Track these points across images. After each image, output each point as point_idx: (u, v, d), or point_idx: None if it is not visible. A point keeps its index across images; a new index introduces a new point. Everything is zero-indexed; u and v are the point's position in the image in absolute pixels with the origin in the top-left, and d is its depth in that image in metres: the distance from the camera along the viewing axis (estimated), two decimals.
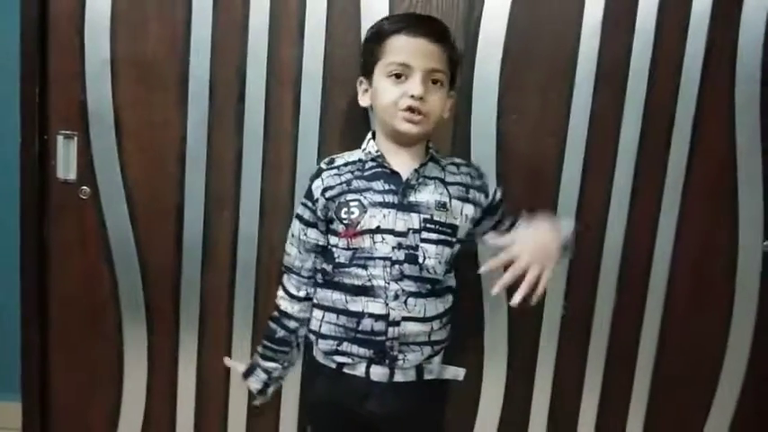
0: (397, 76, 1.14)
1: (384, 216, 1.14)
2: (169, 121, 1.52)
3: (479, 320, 1.58)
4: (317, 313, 1.23)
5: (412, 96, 1.12)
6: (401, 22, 1.18)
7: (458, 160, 1.27)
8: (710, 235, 1.55)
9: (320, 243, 1.23)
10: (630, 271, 1.55)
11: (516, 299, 1.05)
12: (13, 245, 1.57)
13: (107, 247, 1.57)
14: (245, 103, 1.49)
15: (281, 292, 1.28)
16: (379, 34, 1.18)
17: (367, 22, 1.44)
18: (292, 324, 1.26)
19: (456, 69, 1.22)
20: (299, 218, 1.25)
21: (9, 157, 1.55)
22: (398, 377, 1.17)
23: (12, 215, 1.56)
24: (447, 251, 1.18)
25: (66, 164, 1.54)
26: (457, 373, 1.24)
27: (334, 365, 1.20)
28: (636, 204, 1.52)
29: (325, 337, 1.20)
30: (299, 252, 1.25)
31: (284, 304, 1.27)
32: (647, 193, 1.52)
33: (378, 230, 1.14)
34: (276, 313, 1.28)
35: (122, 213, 1.55)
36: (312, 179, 1.23)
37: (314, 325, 1.23)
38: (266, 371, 1.29)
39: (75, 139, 1.53)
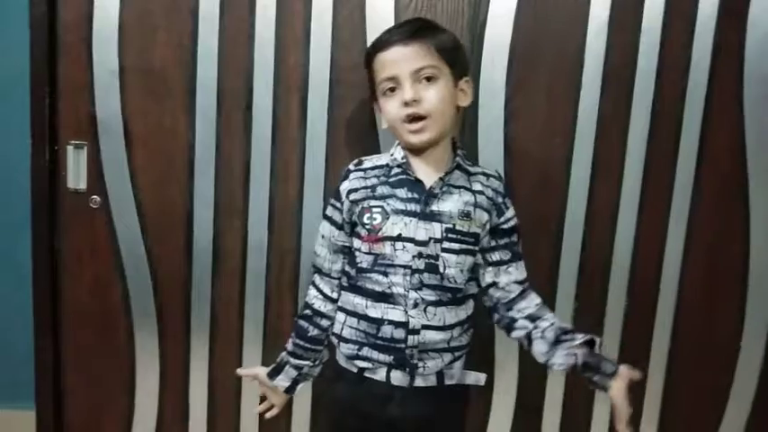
0: (391, 90, 1.14)
1: (405, 224, 1.13)
2: (177, 129, 1.53)
3: (489, 328, 1.57)
4: (340, 316, 1.23)
5: (406, 103, 1.11)
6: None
7: (488, 171, 1.23)
8: (721, 236, 1.54)
9: (347, 245, 1.22)
10: (641, 274, 1.54)
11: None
12: (25, 255, 1.58)
13: (118, 255, 1.58)
14: (253, 111, 1.50)
15: (314, 291, 1.26)
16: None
17: (372, 28, 1.45)
18: (325, 323, 1.25)
19: (455, 56, 1.17)
20: (329, 219, 1.23)
21: (20, 168, 1.57)
22: (419, 382, 1.17)
23: (23, 225, 1.57)
24: (469, 260, 1.17)
25: (76, 174, 1.56)
26: (478, 378, 1.23)
27: (355, 369, 1.19)
28: (645, 206, 1.51)
29: (347, 340, 1.20)
30: (329, 253, 1.24)
31: (318, 303, 1.25)
32: (656, 194, 1.51)
33: (399, 238, 1.13)
34: (308, 311, 1.26)
35: (133, 222, 1.56)
36: (341, 180, 1.22)
37: (336, 328, 1.23)
38: (297, 367, 1.28)
39: (85, 149, 1.54)
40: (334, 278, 1.24)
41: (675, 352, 1.58)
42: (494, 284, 1.22)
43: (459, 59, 1.18)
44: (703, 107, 1.48)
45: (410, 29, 1.15)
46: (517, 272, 1.22)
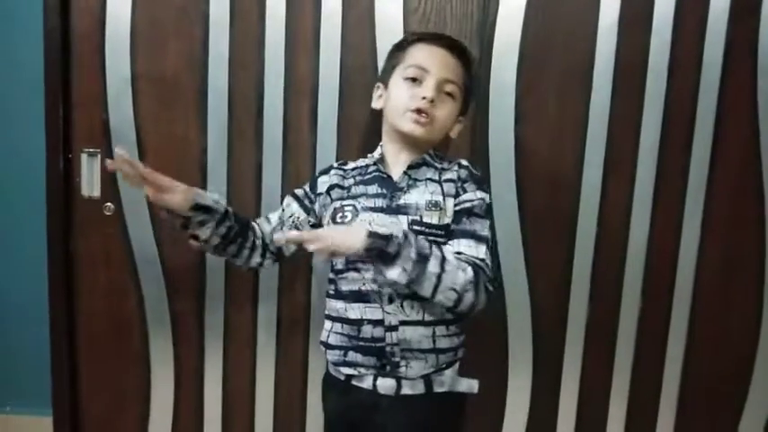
0: (413, 80, 1.17)
1: (373, 220, 1.15)
2: (189, 136, 1.54)
3: (503, 329, 1.57)
4: (327, 324, 1.24)
5: (423, 98, 1.14)
6: (428, 33, 1.23)
7: (464, 162, 1.23)
8: (736, 235, 1.52)
9: (293, 216, 1.28)
10: (655, 274, 1.53)
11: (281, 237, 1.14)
12: (41, 262, 1.59)
13: (132, 261, 1.59)
14: (264, 116, 1.51)
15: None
16: (403, 43, 1.24)
17: (381, 33, 1.46)
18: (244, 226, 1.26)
19: (469, 96, 1.24)
20: (297, 199, 1.30)
21: (35, 176, 1.59)
22: (406, 390, 1.15)
23: (38, 233, 1.59)
24: None
25: (90, 181, 1.57)
26: (471, 385, 1.20)
27: (342, 377, 1.20)
28: (659, 206, 1.50)
29: (332, 347, 1.21)
30: (277, 224, 1.30)
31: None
32: (669, 194, 1.50)
33: None
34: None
35: (146, 228, 1.57)
36: (320, 173, 1.30)
37: (323, 336, 1.24)
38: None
39: (99, 156, 1.56)
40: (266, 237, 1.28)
41: (691, 352, 1.56)
42: None
43: (469, 102, 1.26)
44: (716, 105, 1.47)
45: (460, 46, 1.23)
46: (466, 250, 1.13)
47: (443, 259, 1.06)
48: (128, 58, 1.51)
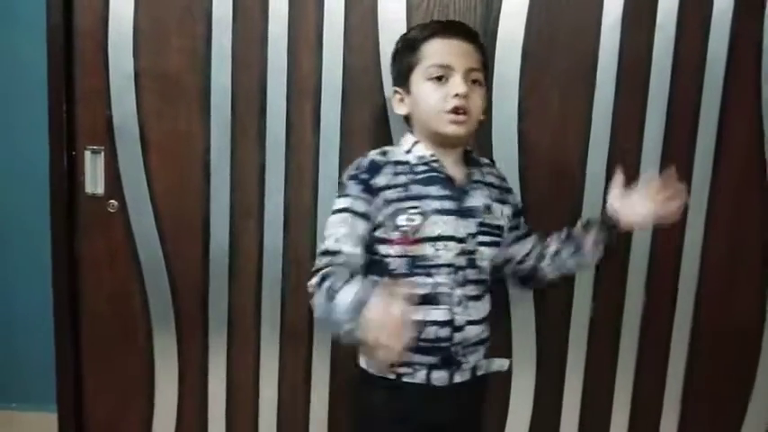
0: (438, 78, 1.14)
1: (444, 223, 1.13)
2: (193, 133, 1.54)
3: (507, 325, 1.57)
4: None
5: (456, 95, 1.12)
6: (432, 27, 1.19)
7: (484, 160, 1.28)
8: (740, 231, 1.52)
9: (365, 236, 1.14)
10: (659, 271, 1.53)
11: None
12: (45, 259, 1.60)
13: (136, 258, 1.59)
14: (267, 115, 1.51)
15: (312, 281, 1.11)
16: (413, 41, 1.18)
17: (384, 31, 1.45)
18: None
19: (487, 73, 1.23)
20: (359, 214, 1.13)
21: (39, 173, 1.59)
22: (457, 378, 1.18)
23: (42, 230, 1.59)
24: (495, 252, 1.21)
25: (93, 178, 1.57)
26: (502, 364, 1.25)
27: (393, 376, 1.17)
28: None
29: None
30: (359, 248, 1.13)
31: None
32: None
33: (439, 238, 1.13)
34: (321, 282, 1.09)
35: (150, 226, 1.58)
36: (369, 172, 1.15)
37: None
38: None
39: (102, 153, 1.56)
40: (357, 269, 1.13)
41: (696, 347, 1.57)
42: (511, 260, 1.28)
43: (488, 77, 1.26)
44: (720, 102, 1.46)
45: (471, 31, 1.20)
46: (531, 243, 1.29)
47: None
48: (131, 55, 1.51)
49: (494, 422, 1.61)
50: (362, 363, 1.23)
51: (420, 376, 1.16)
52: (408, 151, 1.19)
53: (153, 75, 1.52)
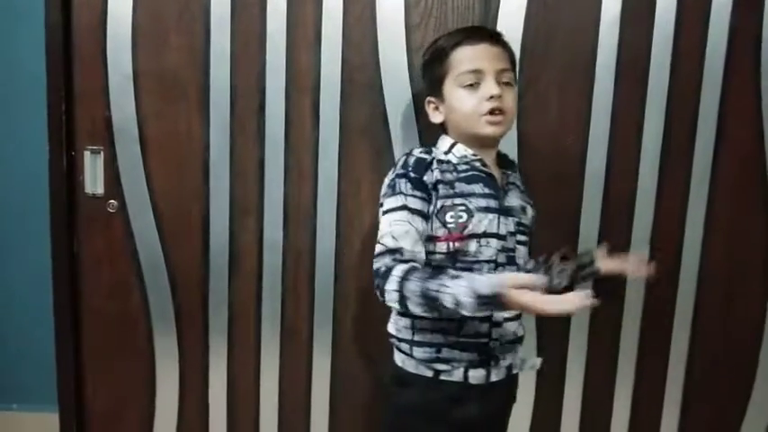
0: (471, 85, 1.16)
1: (490, 221, 1.15)
2: (192, 132, 1.54)
3: None
4: (406, 321, 1.19)
5: (491, 97, 1.14)
6: (458, 35, 1.21)
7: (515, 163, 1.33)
8: (740, 227, 1.52)
9: (425, 234, 1.15)
10: (659, 267, 1.52)
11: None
12: (45, 259, 1.60)
13: (136, 258, 1.60)
14: (266, 112, 1.51)
15: (389, 285, 1.08)
16: (441, 51, 1.20)
17: (383, 27, 1.46)
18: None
19: (515, 72, 1.25)
20: (417, 212, 1.13)
21: (38, 174, 1.59)
22: (493, 377, 1.19)
23: (42, 230, 1.59)
24: (527, 252, 1.25)
25: (93, 178, 1.57)
26: (535, 362, 1.26)
27: (430, 373, 1.17)
28: (662, 199, 1.50)
29: (421, 344, 1.18)
30: (420, 244, 1.13)
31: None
32: (673, 188, 1.50)
33: (484, 235, 1.15)
34: (394, 289, 1.07)
35: (150, 225, 1.58)
36: (417, 170, 1.15)
37: (405, 334, 1.20)
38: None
39: (102, 153, 1.56)
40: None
41: (696, 345, 1.57)
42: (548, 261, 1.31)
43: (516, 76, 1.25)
44: (719, 97, 1.47)
45: (495, 33, 1.23)
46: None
47: None
48: (129, 54, 1.51)
49: None
50: (398, 360, 1.22)
51: (458, 374, 1.16)
52: (447, 152, 1.21)
53: (152, 73, 1.52)
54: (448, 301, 1.01)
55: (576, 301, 0.95)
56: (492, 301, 0.98)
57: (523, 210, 1.22)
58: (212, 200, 1.55)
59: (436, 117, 1.24)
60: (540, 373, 1.58)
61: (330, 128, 1.50)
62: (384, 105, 1.48)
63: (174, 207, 1.57)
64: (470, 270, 1.15)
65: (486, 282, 1.00)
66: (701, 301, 1.55)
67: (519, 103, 1.47)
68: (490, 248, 1.15)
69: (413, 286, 1.05)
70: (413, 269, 1.08)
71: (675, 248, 1.53)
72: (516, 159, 1.49)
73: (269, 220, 1.55)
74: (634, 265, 1.26)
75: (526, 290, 0.97)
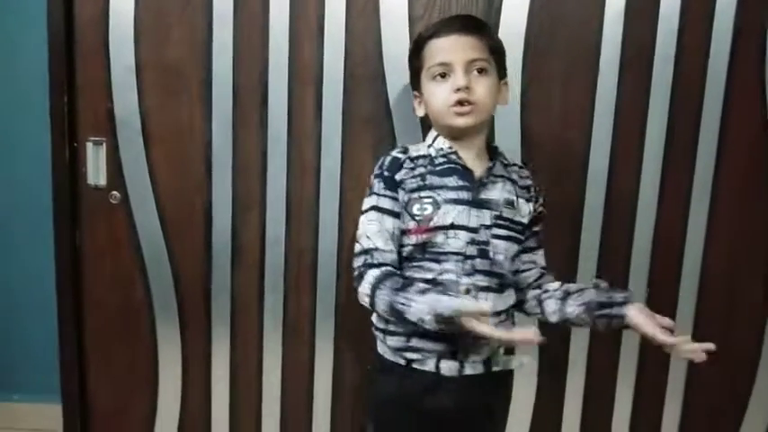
0: (441, 76, 1.16)
1: (458, 212, 1.16)
2: (194, 124, 1.54)
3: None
4: None
5: (458, 89, 1.14)
6: (434, 26, 1.21)
7: (519, 163, 1.29)
8: (743, 223, 1.51)
9: (396, 233, 1.19)
10: (662, 263, 1.53)
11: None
12: (48, 251, 1.60)
13: (138, 250, 1.60)
14: (269, 105, 1.51)
15: (373, 276, 1.15)
16: (417, 45, 1.22)
17: (386, 20, 1.45)
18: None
19: (501, 58, 1.23)
20: (387, 211, 1.18)
21: (41, 165, 1.59)
22: (468, 371, 1.17)
23: (45, 222, 1.59)
24: (514, 248, 1.21)
25: (95, 170, 1.57)
26: (521, 360, 1.24)
27: (403, 362, 1.19)
28: (665, 195, 1.50)
29: (393, 333, 1.20)
30: (392, 244, 1.18)
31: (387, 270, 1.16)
32: (676, 183, 1.49)
33: (451, 227, 1.15)
34: (367, 292, 1.15)
35: (152, 217, 1.58)
36: (390, 169, 1.19)
37: (379, 323, 1.23)
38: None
39: (104, 145, 1.56)
40: (394, 268, 1.18)
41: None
42: (519, 270, 1.25)
43: (503, 62, 1.24)
44: (724, 92, 1.46)
45: (467, 22, 1.21)
46: (540, 259, 1.28)
47: None
48: (132, 46, 1.51)
49: None
50: (379, 348, 1.24)
51: (430, 364, 1.17)
52: (430, 145, 1.23)
53: (154, 66, 1.52)
54: (411, 315, 1.08)
55: (523, 336, 1.03)
56: (450, 321, 1.04)
57: (510, 204, 1.20)
58: (215, 192, 1.55)
59: (420, 111, 1.25)
60: (541, 372, 1.59)
61: (333, 121, 1.50)
62: (387, 98, 1.47)
63: (177, 199, 1.57)
64: (437, 262, 1.16)
65: (447, 303, 1.05)
66: (704, 299, 1.54)
67: (522, 98, 1.48)
68: (459, 240, 1.15)
69: (382, 296, 1.13)
70: (385, 276, 1.14)
71: (678, 245, 1.52)
72: (519, 154, 1.49)
73: (271, 214, 1.55)
74: (669, 338, 1.09)
75: (480, 320, 1.03)
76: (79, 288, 1.63)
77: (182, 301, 1.61)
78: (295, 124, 1.51)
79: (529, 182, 1.26)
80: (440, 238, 1.16)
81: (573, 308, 1.18)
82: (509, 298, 1.22)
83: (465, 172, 1.18)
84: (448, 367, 1.17)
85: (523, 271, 1.25)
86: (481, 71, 1.16)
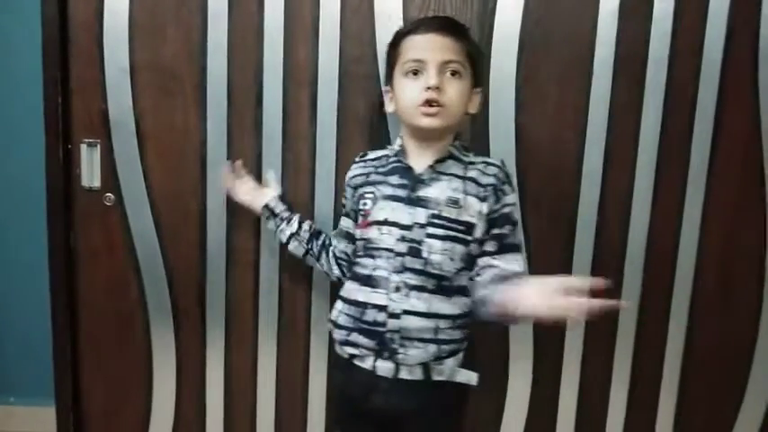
0: (414, 73, 1.16)
1: (392, 209, 1.17)
2: (189, 125, 1.53)
3: (503, 329, 1.57)
4: (339, 304, 1.25)
5: (428, 88, 1.13)
6: (414, 23, 1.22)
7: (490, 160, 1.22)
8: (737, 223, 1.52)
9: (350, 231, 1.30)
10: (656, 264, 1.53)
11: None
12: (42, 253, 1.60)
13: (133, 252, 1.59)
14: (263, 106, 1.50)
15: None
16: (395, 40, 1.22)
17: (381, 21, 1.45)
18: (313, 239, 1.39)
19: (477, 64, 1.22)
20: (343, 207, 1.33)
21: (35, 167, 1.59)
22: (404, 374, 1.16)
23: (39, 224, 1.59)
24: (459, 249, 1.16)
25: (90, 172, 1.57)
26: (469, 377, 1.20)
27: (345, 356, 1.22)
28: (659, 195, 1.50)
29: (339, 326, 1.22)
30: (340, 239, 1.35)
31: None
32: (670, 183, 1.49)
33: (385, 222, 1.17)
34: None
35: (147, 218, 1.57)
36: (350, 171, 1.31)
37: (333, 315, 1.25)
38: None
39: (98, 146, 1.55)
40: (336, 252, 1.36)
41: (691, 343, 1.57)
42: (476, 275, 1.18)
43: (480, 69, 1.23)
44: (717, 92, 1.46)
45: (450, 23, 1.21)
46: (505, 263, 1.16)
47: None
48: (126, 47, 1.51)
49: (492, 411, 1.61)
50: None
51: (368, 362, 1.18)
52: (391, 146, 1.26)
53: (148, 67, 1.52)
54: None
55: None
56: None
57: (454, 202, 1.16)
58: (209, 193, 1.55)
59: (389, 107, 1.26)
60: (536, 362, 1.58)
61: (328, 121, 1.50)
62: (381, 98, 1.47)
63: (172, 200, 1.57)
64: (371, 257, 1.18)
65: None
66: (699, 296, 1.54)
67: (517, 98, 1.48)
68: (391, 237, 1.16)
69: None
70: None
71: (672, 244, 1.52)
72: (514, 153, 1.49)
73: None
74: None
75: None
76: (73, 290, 1.63)
77: (176, 303, 1.61)
78: (290, 124, 1.51)
79: (491, 180, 1.18)
80: (374, 233, 1.18)
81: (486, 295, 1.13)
82: (456, 304, 1.17)
83: (407, 170, 1.20)
84: (383, 367, 1.17)
85: (478, 275, 1.17)
86: (455, 74, 1.16)
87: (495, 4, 1.45)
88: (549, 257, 1.54)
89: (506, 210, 1.18)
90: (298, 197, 1.53)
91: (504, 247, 1.18)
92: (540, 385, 1.60)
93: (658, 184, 1.50)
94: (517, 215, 1.23)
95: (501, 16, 1.45)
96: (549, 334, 1.56)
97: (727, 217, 1.51)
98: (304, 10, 1.47)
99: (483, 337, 1.53)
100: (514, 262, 1.17)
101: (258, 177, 1.53)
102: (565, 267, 1.53)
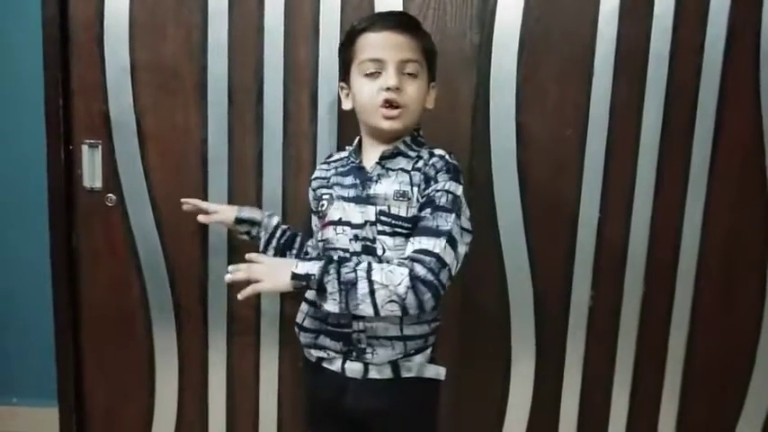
0: (372, 74, 1.14)
1: (344, 209, 1.17)
2: (190, 125, 1.53)
3: (505, 315, 1.57)
4: (303, 307, 1.24)
5: (388, 89, 1.12)
6: (368, 20, 1.19)
7: (439, 151, 1.17)
8: (739, 221, 1.52)
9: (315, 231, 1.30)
10: (658, 260, 1.53)
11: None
12: (44, 254, 1.60)
13: (135, 252, 1.59)
14: (264, 104, 1.51)
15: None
16: (350, 36, 1.19)
17: None
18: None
19: (432, 60, 1.21)
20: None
21: (36, 168, 1.59)
22: (373, 374, 1.15)
23: (41, 225, 1.59)
24: (403, 243, 1.12)
25: (91, 172, 1.57)
26: (438, 372, 1.20)
27: (314, 359, 1.21)
28: (661, 193, 1.50)
29: (306, 329, 1.21)
30: (311, 241, 1.35)
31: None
32: (671, 180, 1.50)
33: (339, 222, 1.17)
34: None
35: (148, 218, 1.57)
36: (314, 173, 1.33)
37: (299, 318, 1.24)
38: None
39: (100, 147, 1.56)
40: (309, 250, 1.36)
41: (693, 343, 1.57)
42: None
43: (434, 64, 1.22)
44: (718, 90, 1.46)
45: (405, 21, 1.18)
46: (417, 243, 1.08)
47: (370, 279, 1.05)
48: (127, 46, 1.51)
49: (494, 410, 1.61)
50: None
51: (336, 364, 1.17)
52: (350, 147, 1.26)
53: (149, 66, 1.52)
54: None
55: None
56: None
57: (403, 195, 1.13)
58: (211, 192, 1.55)
59: (347, 104, 1.24)
60: (539, 361, 1.58)
61: (328, 120, 1.50)
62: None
63: (173, 200, 1.55)
64: (330, 258, 1.16)
65: None
66: (699, 294, 1.54)
67: (517, 96, 1.48)
68: (344, 236, 1.16)
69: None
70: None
71: (674, 241, 1.52)
72: (515, 152, 1.49)
73: None
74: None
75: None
76: (76, 291, 1.63)
77: (178, 303, 1.61)
78: (290, 123, 1.51)
79: (428, 168, 1.14)
80: (331, 233, 1.18)
81: None
82: None
83: (360, 170, 1.19)
84: (352, 369, 1.16)
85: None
86: (411, 74, 1.15)
87: (495, 2, 1.45)
88: (550, 254, 1.54)
89: (433, 194, 1.11)
90: (298, 196, 1.53)
91: (419, 230, 1.10)
92: (542, 386, 1.60)
93: (659, 183, 1.50)
94: (447, 203, 1.10)
95: (501, 14, 1.45)
96: (550, 331, 1.57)
97: (729, 214, 1.51)
98: (304, 8, 1.47)
99: (484, 338, 1.54)
100: (429, 243, 1.08)
101: (259, 176, 1.53)
102: (566, 266, 1.53)
